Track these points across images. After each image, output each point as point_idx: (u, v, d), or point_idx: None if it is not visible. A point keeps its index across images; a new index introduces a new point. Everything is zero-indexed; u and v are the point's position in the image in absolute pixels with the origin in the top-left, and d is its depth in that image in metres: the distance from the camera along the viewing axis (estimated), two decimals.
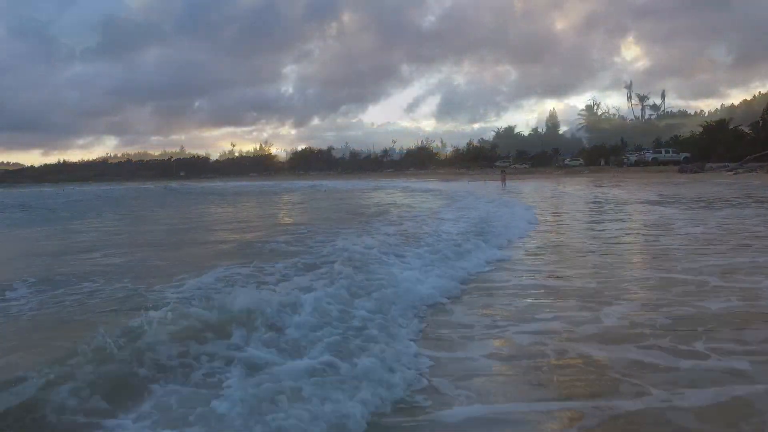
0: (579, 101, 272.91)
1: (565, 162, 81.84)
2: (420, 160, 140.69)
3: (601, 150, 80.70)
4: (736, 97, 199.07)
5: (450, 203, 20.66)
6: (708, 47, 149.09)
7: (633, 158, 59.29)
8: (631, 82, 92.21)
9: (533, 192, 29.48)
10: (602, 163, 65.53)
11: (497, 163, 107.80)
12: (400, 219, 13.76)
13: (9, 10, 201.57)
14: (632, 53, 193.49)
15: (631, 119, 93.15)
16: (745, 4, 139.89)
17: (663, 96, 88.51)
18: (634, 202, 19.40)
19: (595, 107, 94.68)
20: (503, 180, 43.26)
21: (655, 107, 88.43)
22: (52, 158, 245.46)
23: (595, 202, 20.45)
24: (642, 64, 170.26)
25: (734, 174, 37.72)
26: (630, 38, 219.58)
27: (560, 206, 19.18)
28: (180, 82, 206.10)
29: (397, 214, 15.38)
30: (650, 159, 56.87)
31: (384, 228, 11.10)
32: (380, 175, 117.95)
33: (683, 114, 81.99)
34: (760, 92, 63.98)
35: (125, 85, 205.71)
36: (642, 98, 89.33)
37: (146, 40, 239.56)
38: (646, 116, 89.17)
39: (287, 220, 17.34)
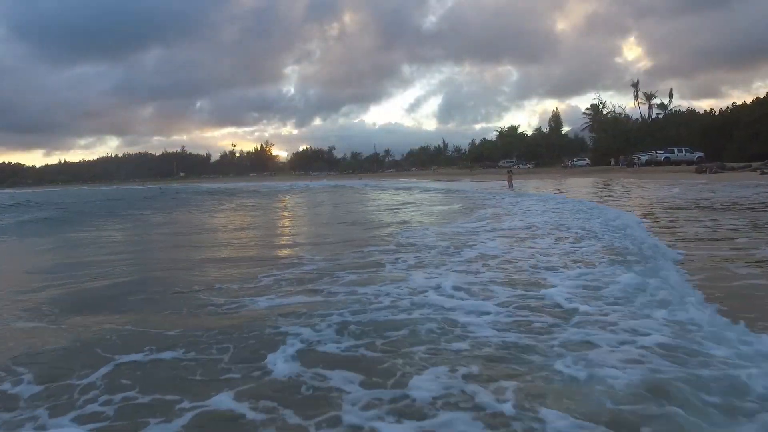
0: (580, 102, 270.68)
1: (572, 162, 78.78)
2: (421, 161, 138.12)
3: (609, 149, 77.65)
4: (738, 97, 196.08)
5: (499, 207, 18.05)
6: (709, 47, 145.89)
7: (644, 158, 56.24)
8: (638, 80, 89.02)
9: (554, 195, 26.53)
10: (612, 162, 62.45)
11: (501, 163, 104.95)
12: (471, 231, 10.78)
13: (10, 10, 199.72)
14: (633, 54, 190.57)
15: (636, 119, 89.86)
16: (746, 4, 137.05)
17: (671, 94, 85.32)
18: (664, 208, 16.40)
19: (601, 106, 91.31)
20: (510, 180, 40.28)
21: (662, 106, 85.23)
22: (54, 158, 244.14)
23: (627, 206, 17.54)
24: (643, 64, 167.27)
25: (761, 174, 34.73)
26: (631, 39, 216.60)
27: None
28: (181, 82, 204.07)
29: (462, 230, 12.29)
30: (662, 158, 53.83)
31: (464, 252, 7.95)
32: (382, 175, 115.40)
33: (692, 113, 78.77)
34: None
35: (127, 85, 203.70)
36: (649, 96, 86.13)
37: (148, 41, 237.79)
38: (653, 115, 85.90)
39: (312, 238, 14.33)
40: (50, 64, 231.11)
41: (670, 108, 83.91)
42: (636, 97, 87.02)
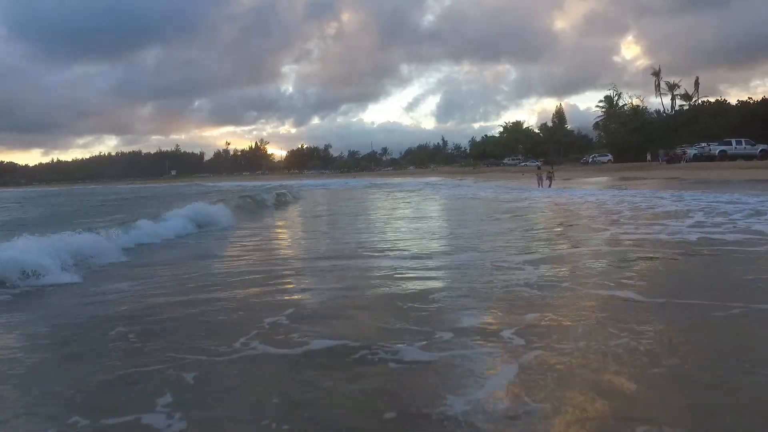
0: (579, 100, 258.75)
1: (592, 158, 66.74)
2: (420, 159, 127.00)
3: (627, 144, 65.87)
4: (736, 96, 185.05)
5: None
6: (707, 46, 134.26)
7: (693, 151, 44.36)
8: (659, 68, 76.78)
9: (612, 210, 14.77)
10: (648, 158, 50.48)
11: (506, 160, 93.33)
12: None
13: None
14: (632, 52, 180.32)
15: (652, 112, 77.69)
16: (744, 3, 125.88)
17: (696, 84, 73.13)
18: None
19: (616, 97, 79.13)
20: (543, 179, 28.55)
21: (686, 97, 73.17)
22: (52, 158, 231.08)
23: None
24: (641, 63, 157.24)
25: None
26: (630, 38, 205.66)
27: None
28: (180, 81, 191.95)
29: None
30: (717, 153, 42.00)
31: None
32: (379, 173, 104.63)
33: (721, 104, 66.85)
34: None
35: (125, 84, 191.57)
36: (672, 87, 73.97)
37: (147, 40, 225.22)
38: (676, 107, 73.92)
39: None
40: (49, 63, 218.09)
41: (695, 99, 71.93)
42: (657, 87, 74.93)
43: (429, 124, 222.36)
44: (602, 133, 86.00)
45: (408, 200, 22.96)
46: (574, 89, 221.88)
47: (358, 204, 22.43)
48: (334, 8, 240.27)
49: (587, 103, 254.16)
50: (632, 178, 35.59)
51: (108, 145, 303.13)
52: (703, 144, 44.98)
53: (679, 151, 46.40)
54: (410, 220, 13.24)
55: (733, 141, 42.97)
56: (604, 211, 13.24)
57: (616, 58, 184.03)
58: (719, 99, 67.84)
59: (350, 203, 23.13)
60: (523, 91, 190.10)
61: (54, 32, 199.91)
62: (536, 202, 17.83)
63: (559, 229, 10.15)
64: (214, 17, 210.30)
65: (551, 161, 37.78)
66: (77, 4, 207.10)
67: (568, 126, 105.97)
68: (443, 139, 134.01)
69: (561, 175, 38.53)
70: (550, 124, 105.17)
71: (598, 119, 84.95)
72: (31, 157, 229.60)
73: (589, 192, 21.82)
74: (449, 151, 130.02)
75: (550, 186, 27.00)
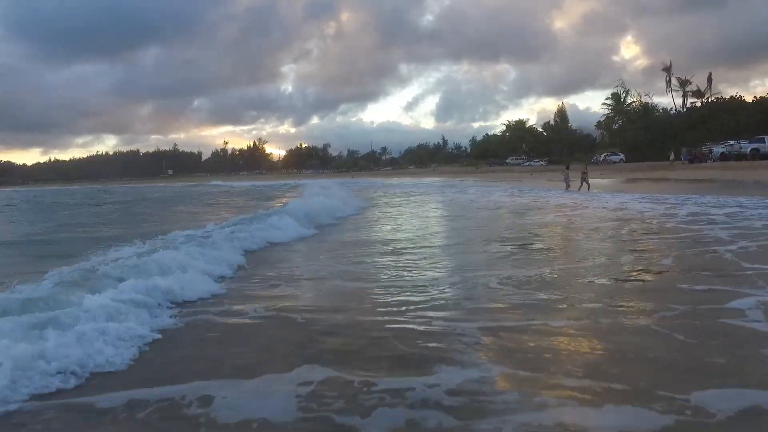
0: (578, 100, 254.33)
1: (604, 157, 62.41)
2: (420, 158, 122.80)
3: (637, 143, 61.63)
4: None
5: None
6: (706, 46, 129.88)
7: (719, 150, 40.12)
8: (670, 63, 72.44)
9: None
10: (671, 157, 46.12)
11: (509, 160, 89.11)
12: None
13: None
14: (631, 52, 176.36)
15: (659, 110, 73.28)
16: (743, 3, 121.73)
17: (709, 80, 68.78)
18: None
19: (624, 95, 74.83)
20: (568, 180, 24.45)
21: (698, 93, 68.80)
22: (50, 157, 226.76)
23: None
24: (641, 62, 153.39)
25: None
26: (629, 37, 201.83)
27: None
28: (179, 81, 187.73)
29: None
30: (748, 151, 37.80)
31: None
32: (378, 173, 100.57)
33: (737, 101, 62.47)
34: None
35: (125, 84, 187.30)
36: (683, 83, 69.63)
37: (146, 40, 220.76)
38: (688, 104, 69.56)
39: None
40: (49, 63, 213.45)
41: (708, 95, 67.57)
42: (668, 83, 70.59)
43: (428, 123, 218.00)
44: (605, 132, 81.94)
45: (434, 206, 18.77)
46: (573, 89, 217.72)
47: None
48: (334, 8, 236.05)
49: (587, 102, 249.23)
50: (656, 179, 31.44)
51: (107, 145, 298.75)
52: (731, 141, 40.67)
53: (704, 149, 42.05)
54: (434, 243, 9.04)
55: (766, 138, 38.68)
56: (694, 236, 8.96)
57: (616, 58, 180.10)
58: (734, 96, 63.35)
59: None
60: (522, 90, 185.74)
61: (54, 32, 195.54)
62: (581, 214, 13.58)
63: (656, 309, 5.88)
64: (214, 17, 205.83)
65: (569, 161, 33.52)
66: (77, 4, 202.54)
67: (571, 125, 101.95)
68: (443, 139, 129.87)
69: (576, 176, 34.45)
70: (552, 123, 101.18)
71: (604, 117, 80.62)
72: (29, 157, 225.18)
73: (633, 198, 17.58)
74: (449, 150, 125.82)
75: (579, 189, 22.78)
